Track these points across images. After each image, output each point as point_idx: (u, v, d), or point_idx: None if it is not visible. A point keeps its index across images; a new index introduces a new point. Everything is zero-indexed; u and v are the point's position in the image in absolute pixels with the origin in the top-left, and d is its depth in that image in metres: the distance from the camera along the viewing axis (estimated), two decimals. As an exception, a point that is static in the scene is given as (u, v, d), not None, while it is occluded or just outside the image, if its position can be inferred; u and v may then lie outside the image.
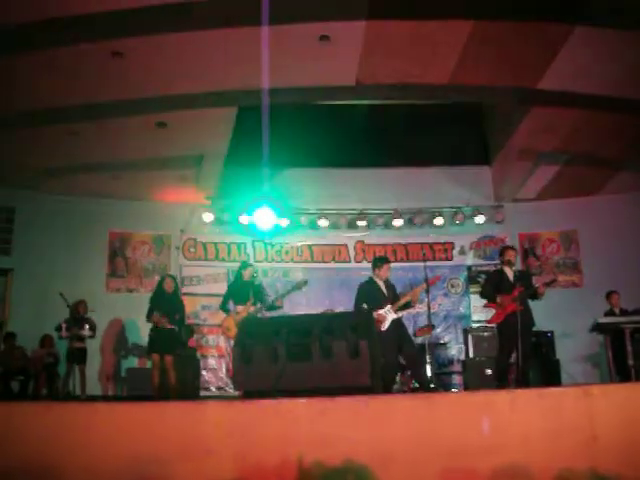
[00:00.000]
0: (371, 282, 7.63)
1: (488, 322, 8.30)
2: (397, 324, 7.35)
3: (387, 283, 7.62)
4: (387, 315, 7.29)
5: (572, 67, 8.22)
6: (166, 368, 8.48)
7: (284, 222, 11.50)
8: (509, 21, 7.49)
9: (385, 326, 7.25)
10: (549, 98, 9.14)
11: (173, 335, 8.63)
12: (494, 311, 7.67)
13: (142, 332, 10.06)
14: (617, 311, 9.21)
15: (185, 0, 6.90)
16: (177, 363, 8.67)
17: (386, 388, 6.99)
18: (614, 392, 4.42)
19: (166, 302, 8.62)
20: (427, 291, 8.18)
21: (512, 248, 8.04)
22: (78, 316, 9.77)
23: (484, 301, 7.98)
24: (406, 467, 3.64)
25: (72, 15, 6.88)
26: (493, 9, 7.27)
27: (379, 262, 7.73)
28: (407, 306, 7.55)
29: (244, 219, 11.38)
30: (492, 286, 7.78)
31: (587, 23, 7.29)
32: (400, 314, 7.42)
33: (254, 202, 10.97)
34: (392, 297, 7.49)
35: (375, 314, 7.18)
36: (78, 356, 9.64)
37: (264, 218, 11.10)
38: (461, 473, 3.65)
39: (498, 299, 7.55)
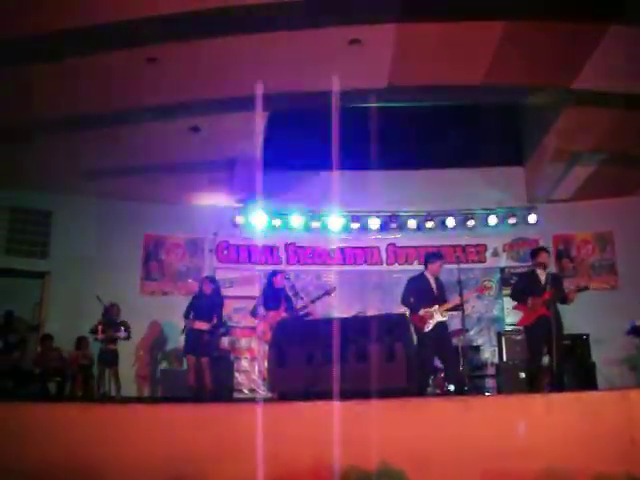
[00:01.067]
0: (422, 277, 7.55)
1: (517, 324, 8.22)
2: (441, 325, 7.28)
3: (437, 281, 7.54)
4: (434, 315, 7.23)
5: (606, 66, 8.12)
6: (202, 369, 8.58)
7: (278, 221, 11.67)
8: (542, 21, 7.43)
9: (430, 326, 7.17)
10: (583, 98, 9.04)
11: (209, 337, 8.73)
12: (522, 313, 7.61)
13: (176, 334, 10.19)
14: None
15: (219, 5, 6.98)
16: (212, 365, 8.77)
17: (420, 390, 6.95)
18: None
19: (204, 304, 8.73)
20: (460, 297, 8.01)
21: (545, 250, 7.92)
22: (113, 318, 9.90)
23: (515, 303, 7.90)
24: (442, 470, 3.65)
25: (109, 22, 7.01)
26: (525, 9, 7.22)
27: (432, 258, 7.65)
28: (455, 309, 7.50)
29: (277, 221, 11.46)
30: (523, 288, 7.69)
31: (621, 22, 7.20)
32: (446, 316, 7.34)
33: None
34: (441, 296, 7.43)
35: (422, 311, 7.14)
36: (110, 358, 9.78)
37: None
38: (498, 476, 3.64)
39: (528, 301, 7.47)
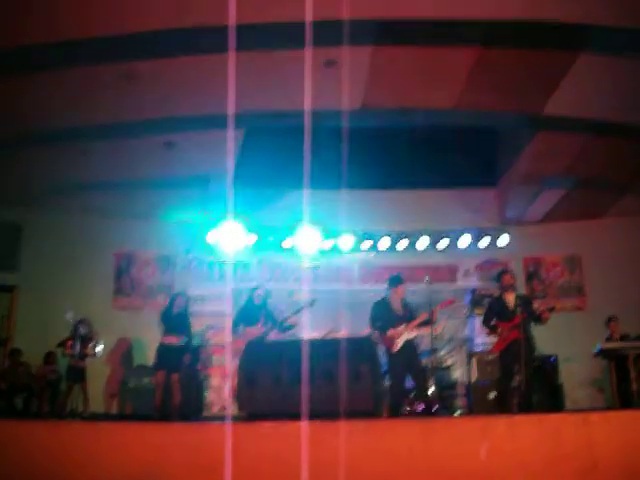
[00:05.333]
0: (385, 301, 7.65)
1: (491, 351, 8.32)
2: (409, 344, 7.36)
3: (403, 302, 7.63)
4: (402, 334, 7.30)
5: (576, 93, 8.32)
6: (171, 386, 8.51)
7: (251, 239, 11.65)
8: (513, 48, 7.60)
9: (398, 346, 7.27)
10: (554, 123, 9.23)
11: (180, 352, 8.68)
12: (495, 340, 7.69)
13: (146, 350, 10.09)
14: (617, 337, 9.25)
15: (196, 24, 7.03)
16: (182, 382, 8.71)
17: (393, 410, 7.01)
18: (614, 419, 4.45)
19: (175, 319, 8.69)
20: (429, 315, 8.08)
21: (508, 272, 8.02)
22: (83, 334, 9.81)
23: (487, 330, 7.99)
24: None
25: (86, 37, 7.02)
26: (498, 37, 7.38)
27: (395, 282, 7.75)
28: (423, 324, 7.57)
29: (250, 239, 11.45)
30: (492, 315, 7.76)
31: (590, 51, 7.38)
32: (414, 334, 7.43)
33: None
34: (408, 317, 7.50)
35: (390, 332, 7.22)
36: (77, 374, 9.68)
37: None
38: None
39: (499, 329, 7.56)
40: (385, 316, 7.44)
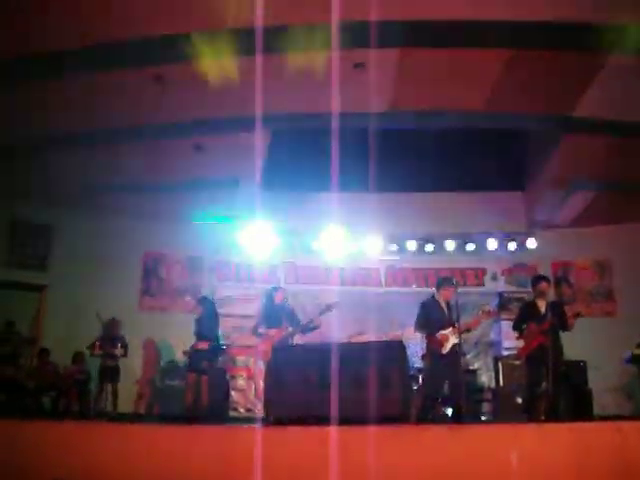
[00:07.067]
0: (434, 301, 7.60)
1: (518, 354, 8.27)
2: (455, 348, 7.31)
3: (449, 304, 7.59)
4: (450, 337, 7.28)
5: (606, 95, 8.21)
6: (201, 387, 8.62)
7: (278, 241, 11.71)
8: (543, 50, 7.52)
9: (447, 348, 7.24)
10: (584, 126, 9.12)
11: (209, 356, 8.79)
12: (523, 343, 7.66)
13: (173, 351, 10.17)
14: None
15: (224, 27, 7.07)
16: (209, 383, 8.80)
17: (423, 414, 6.96)
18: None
19: (204, 324, 8.79)
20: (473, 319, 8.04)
21: (545, 279, 7.96)
22: (111, 334, 9.92)
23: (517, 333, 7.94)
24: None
25: (118, 40, 7.11)
26: (528, 38, 7.31)
27: (444, 283, 7.69)
28: (467, 331, 7.59)
29: (277, 241, 11.50)
30: (523, 318, 7.75)
31: (619, 53, 7.28)
32: (459, 339, 7.39)
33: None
34: (453, 319, 7.42)
35: (439, 334, 7.20)
36: (111, 374, 9.81)
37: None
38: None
39: (527, 332, 7.54)
40: (434, 317, 7.38)
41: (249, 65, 7.79)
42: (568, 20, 6.93)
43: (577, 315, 7.69)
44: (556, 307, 7.64)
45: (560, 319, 7.44)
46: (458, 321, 7.31)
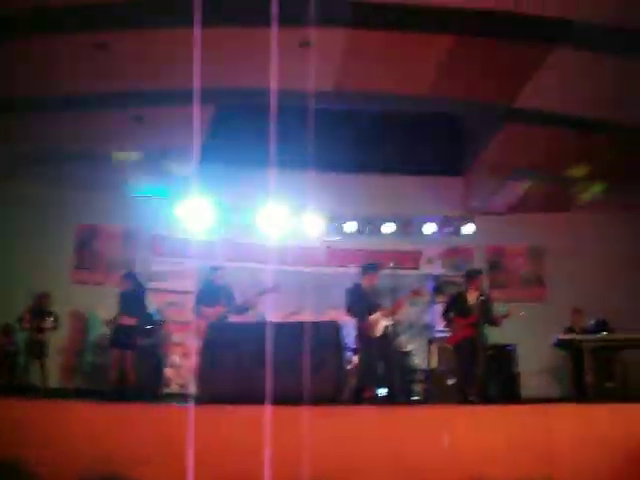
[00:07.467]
0: (359, 288, 7.69)
1: (446, 342, 8.60)
2: (386, 330, 7.47)
3: (375, 289, 7.71)
4: (380, 320, 7.36)
5: (547, 87, 8.38)
6: (125, 363, 8.50)
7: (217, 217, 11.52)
8: (488, 39, 7.61)
9: (379, 331, 7.35)
10: (523, 116, 9.29)
11: (135, 331, 8.67)
12: (450, 333, 8.04)
13: (103, 325, 9.93)
14: (578, 329, 9.44)
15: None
16: (138, 359, 8.68)
17: (357, 395, 7.08)
18: (571, 412, 4.54)
19: (130, 299, 8.67)
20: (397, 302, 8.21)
21: (478, 274, 8.23)
22: (41, 308, 9.66)
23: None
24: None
25: (58, 4, 6.84)
26: (474, 26, 7.38)
27: (368, 270, 7.83)
28: (394, 313, 7.75)
29: (216, 217, 11.36)
30: (452, 309, 8.04)
31: (565, 45, 7.43)
32: (391, 320, 7.54)
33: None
34: (380, 303, 7.59)
35: (370, 318, 7.27)
36: (38, 349, 9.55)
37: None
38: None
39: (455, 323, 7.85)
40: (360, 303, 7.49)
41: (192, 36, 7.63)
42: (514, 10, 7.02)
43: (505, 316, 7.99)
44: (484, 304, 7.94)
45: (486, 315, 7.80)
46: (382, 304, 7.50)
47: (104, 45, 7.64)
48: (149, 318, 9.65)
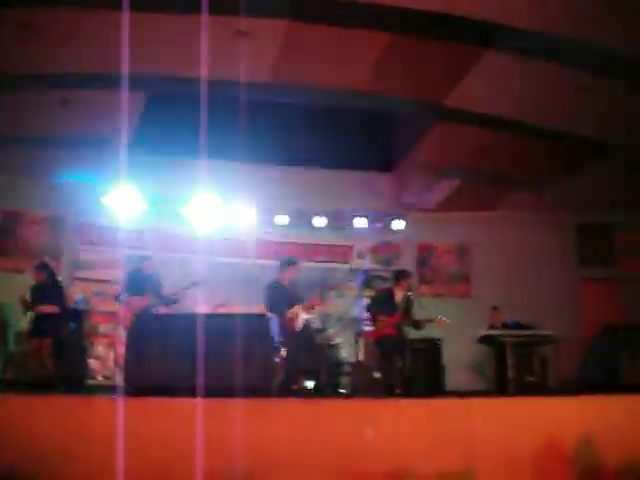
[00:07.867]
0: (277, 283, 7.70)
1: (368, 336, 8.76)
2: (307, 324, 7.53)
3: (293, 283, 7.73)
4: (299, 314, 7.38)
5: (478, 88, 8.56)
6: (43, 352, 8.29)
7: (146, 206, 11.36)
8: (423, 38, 7.72)
9: (300, 326, 7.39)
10: (454, 115, 9.47)
11: (55, 320, 8.48)
12: (373, 328, 8.17)
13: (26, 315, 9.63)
14: (499, 325, 9.76)
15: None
16: (61, 349, 8.47)
17: (285, 387, 7.10)
18: (493, 405, 4.66)
19: (47, 290, 8.52)
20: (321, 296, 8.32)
21: (410, 276, 8.36)
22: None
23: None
24: (295, 471, 3.70)
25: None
26: (411, 25, 7.47)
27: (285, 265, 7.84)
28: (313, 307, 7.77)
29: (145, 206, 11.15)
30: (377, 306, 8.17)
31: (497, 48, 7.61)
32: (311, 314, 7.57)
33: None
34: (299, 296, 7.61)
35: (289, 314, 7.27)
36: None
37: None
38: (351, 477, 3.75)
39: (378, 320, 7.94)
40: (279, 298, 7.50)
41: (126, 20, 7.45)
42: (450, 12, 7.15)
43: (430, 321, 8.14)
44: (407, 304, 8.11)
45: (409, 317, 7.99)
46: (303, 298, 7.54)
47: (27, 24, 7.35)
48: (69, 307, 9.39)
